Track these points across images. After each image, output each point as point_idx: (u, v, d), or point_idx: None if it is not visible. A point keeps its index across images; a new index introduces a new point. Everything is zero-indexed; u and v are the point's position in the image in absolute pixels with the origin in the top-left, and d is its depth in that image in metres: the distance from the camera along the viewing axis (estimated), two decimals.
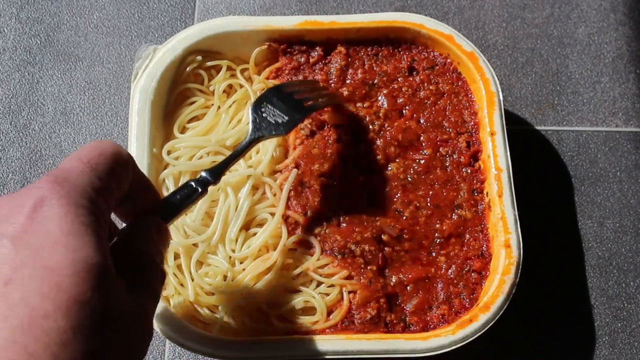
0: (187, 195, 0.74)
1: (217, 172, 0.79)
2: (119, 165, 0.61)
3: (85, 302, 0.51)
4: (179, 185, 0.81)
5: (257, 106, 0.89)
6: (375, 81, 1.05)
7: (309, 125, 1.01)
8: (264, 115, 0.88)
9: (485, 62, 1.02)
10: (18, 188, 1.11)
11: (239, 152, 0.84)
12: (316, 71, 1.05)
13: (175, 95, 1.03)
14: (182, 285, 0.92)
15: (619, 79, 1.20)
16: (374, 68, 1.06)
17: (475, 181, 0.99)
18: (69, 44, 1.22)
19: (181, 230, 0.94)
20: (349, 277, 0.93)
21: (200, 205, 0.94)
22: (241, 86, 1.03)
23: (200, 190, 0.75)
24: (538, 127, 1.17)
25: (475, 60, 1.02)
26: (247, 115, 0.88)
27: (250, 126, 0.87)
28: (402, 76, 1.06)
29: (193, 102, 1.03)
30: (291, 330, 0.92)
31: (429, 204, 0.99)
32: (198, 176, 0.77)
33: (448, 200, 0.99)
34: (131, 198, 0.65)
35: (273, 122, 0.88)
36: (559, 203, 1.12)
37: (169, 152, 0.99)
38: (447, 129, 1.03)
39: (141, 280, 0.61)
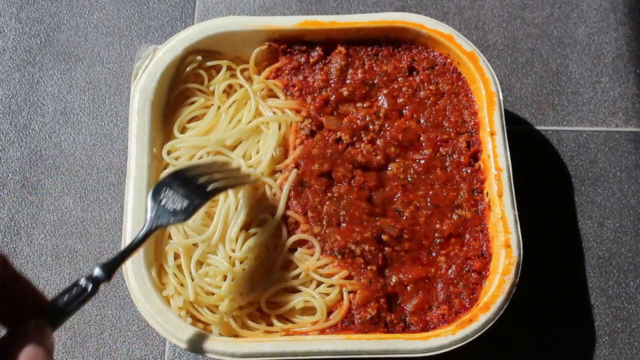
0: (76, 296, 0.69)
1: (110, 268, 0.73)
2: None
3: None
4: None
5: (156, 193, 0.83)
6: (375, 81, 1.05)
7: (309, 125, 1.01)
8: (162, 202, 0.82)
9: (485, 62, 1.02)
10: (18, 188, 1.11)
11: (135, 246, 0.79)
12: (316, 71, 1.05)
13: (175, 95, 1.03)
14: (182, 285, 0.92)
15: (619, 79, 1.20)
16: (374, 68, 1.06)
17: (475, 181, 0.99)
18: (69, 44, 1.22)
19: (181, 230, 0.94)
20: (349, 277, 0.93)
21: None
22: (241, 86, 1.03)
23: (90, 289, 0.70)
24: (538, 127, 1.17)
25: (475, 60, 1.02)
26: (147, 202, 0.83)
27: (147, 215, 0.82)
28: (402, 76, 1.06)
29: (193, 102, 1.03)
30: (291, 330, 0.92)
31: (429, 204, 0.99)
32: (89, 272, 0.72)
33: (448, 200, 0.99)
34: (6, 301, 0.59)
35: (171, 210, 0.81)
36: (559, 203, 1.12)
37: (169, 152, 0.99)
38: (447, 129, 1.03)
39: None
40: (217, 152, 0.98)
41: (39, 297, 0.64)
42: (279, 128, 1.01)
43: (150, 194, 0.84)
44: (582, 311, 1.06)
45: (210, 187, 0.86)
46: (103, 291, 1.05)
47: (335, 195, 0.97)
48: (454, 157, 1.01)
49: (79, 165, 1.13)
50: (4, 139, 1.15)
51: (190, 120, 1.03)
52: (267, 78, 1.05)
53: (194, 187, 0.85)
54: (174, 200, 0.83)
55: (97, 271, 0.72)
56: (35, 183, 1.12)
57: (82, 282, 0.70)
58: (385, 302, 0.93)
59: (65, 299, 0.68)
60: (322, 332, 0.91)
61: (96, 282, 0.71)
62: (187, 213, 0.82)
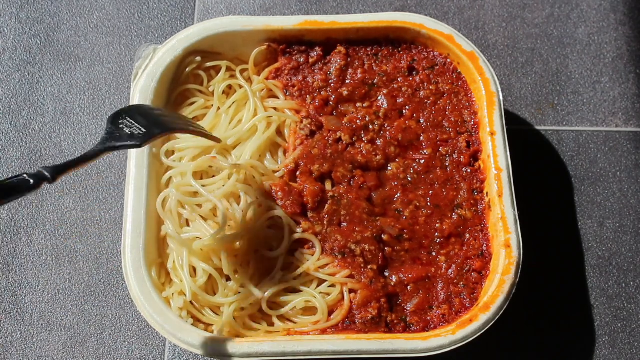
0: (15, 185, 0.69)
1: (57, 170, 0.72)
2: None
3: None
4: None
5: (115, 117, 0.82)
6: (375, 81, 1.05)
7: (309, 125, 1.01)
8: (120, 126, 0.80)
9: (485, 62, 1.02)
10: None
11: (86, 158, 0.77)
12: (315, 71, 1.05)
13: (175, 95, 1.03)
14: (181, 281, 0.92)
15: (619, 79, 1.20)
16: (374, 68, 1.06)
17: (475, 181, 1.00)
18: (69, 44, 1.22)
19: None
20: (349, 277, 0.93)
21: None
22: (241, 87, 1.03)
23: (32, 182, 0.69)
24: (538, 127, 1.17)
25: (475, 60, 1.02)
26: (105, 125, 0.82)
27: (103, 136, 0.80)
28: (402, 76, 1.06)
29: (193, 103, 1.03)
30: (292, 330, 0.92)
31: (429, 204, 0.99)
32: (36, 170, 0.71)
33: (448, 200, 0.99)
34: None
35: (128, 133, 0.80)
36: (559, 203, 1.12)
37: (172, 152, 0.99)
38: (447, 129, 1.03)
39: None
40: (220, 150, 0.99)
41: None
42: (272, 128, 1.01)
43: (109, 117, 0.82)
44: (582, 311, 1.06)
45: (172, 125, 0.85)
46: (103, 291, 1.05)
47: (336, 195, 0.98)
48: (454, 156, 1.01)
49: None
50: (4, 139, 1.15)
51: None
52: (267, 78, 1.05)
53: (154, 119, 0.84)
54: (131, 126, 0.81)
55: (42, 169, 0.71)
56: None
57: (26, 175, 0.70)
58: (386, 302, 0.93)
59: (3, 183, 0.68)
60: (324, 332, 0.91)
61: (40, 178, 0.70)
62: (144, 138, 0.80)
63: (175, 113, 0.94)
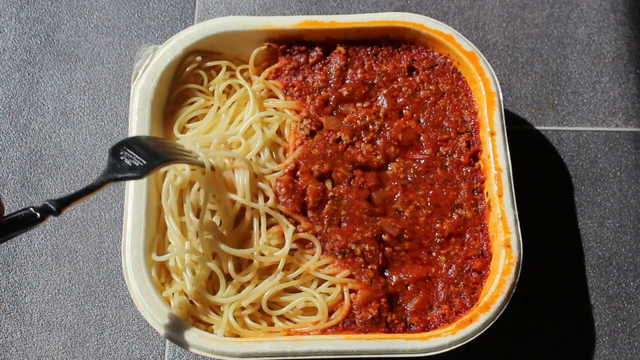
0: (22, 219, 0.71)
1: (62, 203, 0.75)
2: None
3: None
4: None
5: (116, 149, 0.85)
6: (375, 81, 1.05)
7: (309, 126, 1.01)
8: (121, 158, 0.84)
9: (485, 62, 1.02)
10: (18, 188, 1.11)
11: (89, 190, 0.80)
12: (315, 71, 1.05)
13: (175, 95, 1.03)
14: (182, 279, 0.92)
15: (619, 79, 1.20)
16: (374, 68, 1.06)
17: (475, 181, 1.00)
18: (69, 44, 1.22)
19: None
20: (349, 277, 0.93)
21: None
22: (241, 86, 1.03)
23: (38, 216, 0.72)
24: (538, 127, 1.17)
25: (475, 60, 1.02)
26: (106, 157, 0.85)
27: (105, 167, 0.84)
28: (402, 76, 1.06)
29: (192, 103, 1.03)
30: (292, 330, 0.92)
31: (429, 204, 0.99)
32: (42, 204, 0.74)
33: (448, 200, 0.99)
34: None
35: (129, 164, 0.84)
36: (559, 203, 1.12)
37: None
38: (447, 129, 1.03)
39: None
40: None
41: None
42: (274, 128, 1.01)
43: (110, 149, 0.85)
44: (582, 311, 1.06)
45: (168, 156, 0.88)
46: (103, 291, 1.05)
47: (336, 195, 0.98)
48: (454, 156, 1.01)
49: (79, 165, 1.13)
50: (4, 139, 1.15)
51: (190, 121, 1.03)
52: (267, 78, 1.05)
53: (153, 151, 0.87)
54: (131, 158, 0.84)
55: (48, 202, 0.74)
56: (35, 183, 1.12)
57: (32, 209, 0.73)
58: (386, 302, 0.93)
59: (9, 219, 0.71)
60: (324, 332, 0.91)
61: (46, 211, 0.73)
62: (145, 170, 0.84)
63: (169, 142, 0.96)
